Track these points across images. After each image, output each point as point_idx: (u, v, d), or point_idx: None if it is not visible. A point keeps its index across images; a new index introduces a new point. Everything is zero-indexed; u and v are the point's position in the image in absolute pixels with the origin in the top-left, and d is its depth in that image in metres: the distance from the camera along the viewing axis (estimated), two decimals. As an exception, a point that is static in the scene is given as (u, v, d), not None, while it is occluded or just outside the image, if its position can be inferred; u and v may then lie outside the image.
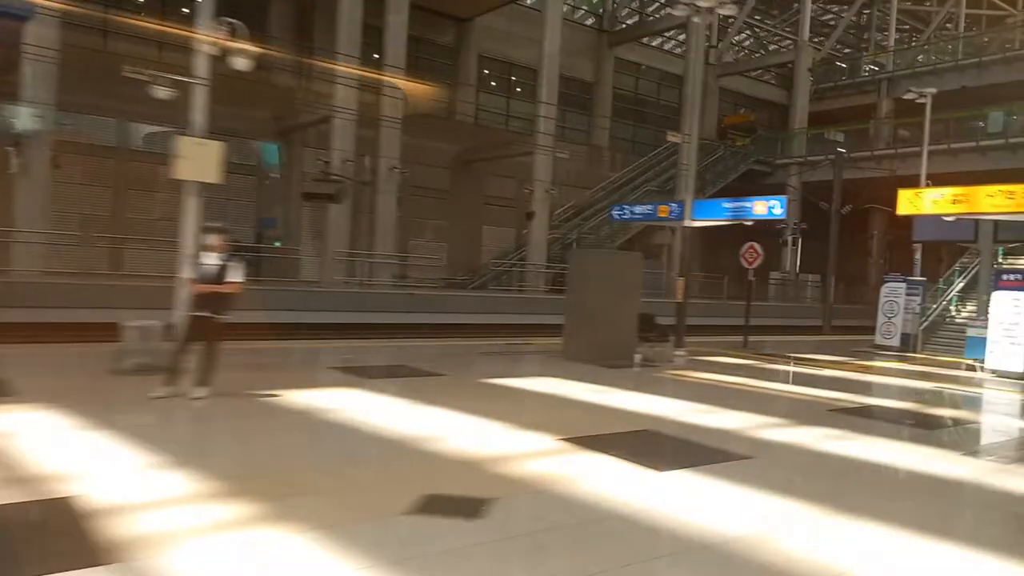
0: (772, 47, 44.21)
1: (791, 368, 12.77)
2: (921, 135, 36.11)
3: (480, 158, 31.26)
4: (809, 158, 36.63)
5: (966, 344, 14.19)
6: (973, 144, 31.33)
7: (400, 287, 23.99)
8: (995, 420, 8.62)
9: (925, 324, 17.60)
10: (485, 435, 6.20)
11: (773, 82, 43.47)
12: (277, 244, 25.99)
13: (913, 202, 10.63)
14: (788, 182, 37.11)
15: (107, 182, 23.21)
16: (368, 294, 22.03)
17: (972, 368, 13.63)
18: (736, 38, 44.16)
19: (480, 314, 22.57)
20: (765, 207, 12.31)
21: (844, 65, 44.05)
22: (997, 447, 6.98)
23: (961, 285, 18.16)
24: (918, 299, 17.51)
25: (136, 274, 19.17)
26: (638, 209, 14.76)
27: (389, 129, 24.19)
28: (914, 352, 16.77)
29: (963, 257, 19.74)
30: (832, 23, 45.32)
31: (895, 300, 17.32)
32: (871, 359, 15.28)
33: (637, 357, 11.93)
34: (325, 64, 23.64)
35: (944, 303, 18.54)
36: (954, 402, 10.22)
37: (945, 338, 16.62)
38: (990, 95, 34.13)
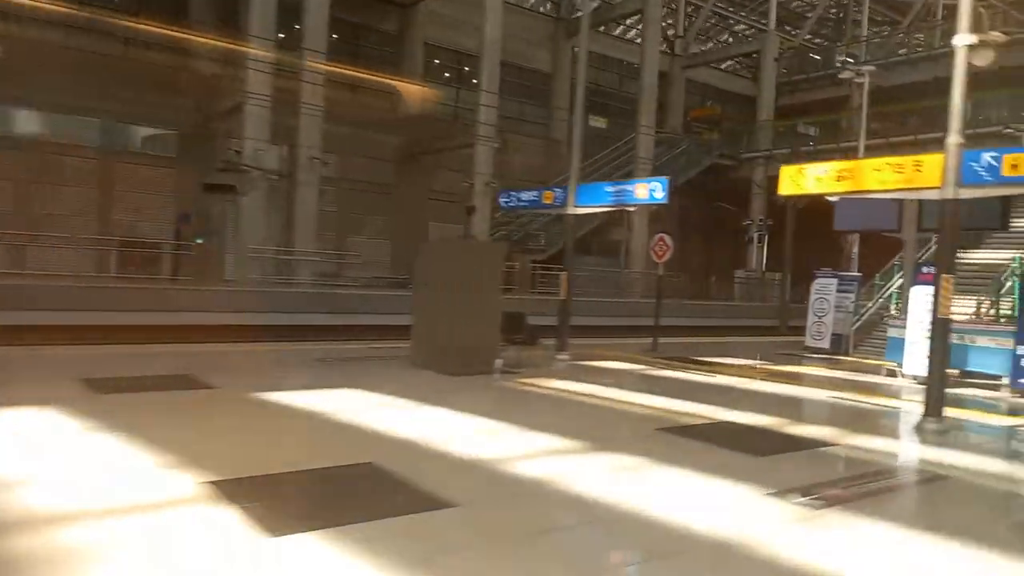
0: (747, 38, 42.63)
1: (678, 374, 11.21)
2: (894, 127, 34.77)
3: (426, 151, 29.70)
4: (774, 151, 35.08)
5: (887, 346, 12.62)
6: (941, 135, 29.72)
7: (327, 286, 22.42)
8: (866, 442, 7.04)
9: (858, 324, 16.01)
10: (113, 477, 4.63)
11: (745, 75, 41.91)
12: (199, 241, 24.41)
13: (795, 180, 9.08)
14: (753, 177, 35.61)
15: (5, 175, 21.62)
16: (284, 293, 20.44)
17: (893, 373, 12.06)
18: (707, 29, 42.63)
19: (404, 315, 21.00)
20: (646, 190, 10.78)
21: (819, 57, 42.58)
22: (827, 484, 5.40)
23: (901, 281, 16.51)
24: (851, 297, 15.92)
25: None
26: (524, 196, 13.20)
27: (309, 117, 22.63)
28: (845, 355, 15.19)
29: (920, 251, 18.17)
30: (808, 15, 43.72)
31: (826, 298, 15.73)
32: (790, 363, 13.71)
33: (498, 363, 10.36)
34: (247, 49, 22.10)
35: (881, 300, 16.90)
36: (834, 417, 8.63)
37: (880, 339, 14.98)
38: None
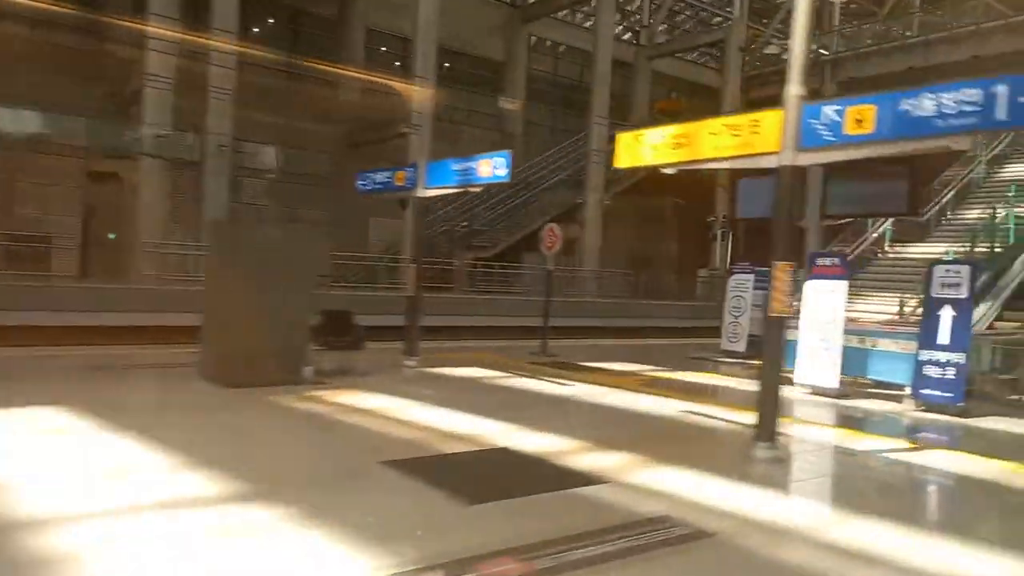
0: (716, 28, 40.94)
1: (528, 384, 9.55)
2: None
3: (366, 141, 28.05)
4: (737, 144, 33.41)
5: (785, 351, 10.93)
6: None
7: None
8: (658, 477, 5.38)
9: (778, 325, 14.30)
10: None
11: (713, 66, 40.21)
12: (112, 236, 22.85)
13: (632, 149, 7.43)
14: (717, 172, 33.99)
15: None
16: (178, 292, 18.78)
17: (790, 382, 10.39)
18: (678, 21, 40.96)
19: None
20: (490, 167, 9.14)
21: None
22: (518, 550, 3.77)
23: None
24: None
25: None
26: (379, 178, 11.56)
27: (217, 101, 21.01)
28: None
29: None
30: (780, 3, 41.99)
31: (742, 296, 14.05)
32: (689, 369, 12.05)
33: (307, 371, 8.71)
34: (150, 28, 20.48)
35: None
36: (654, 440, 6.93)
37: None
38: (938, 76, 31.09)
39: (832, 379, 9.47)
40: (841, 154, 5.99)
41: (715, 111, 36.86)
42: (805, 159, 6.13)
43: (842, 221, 10.14)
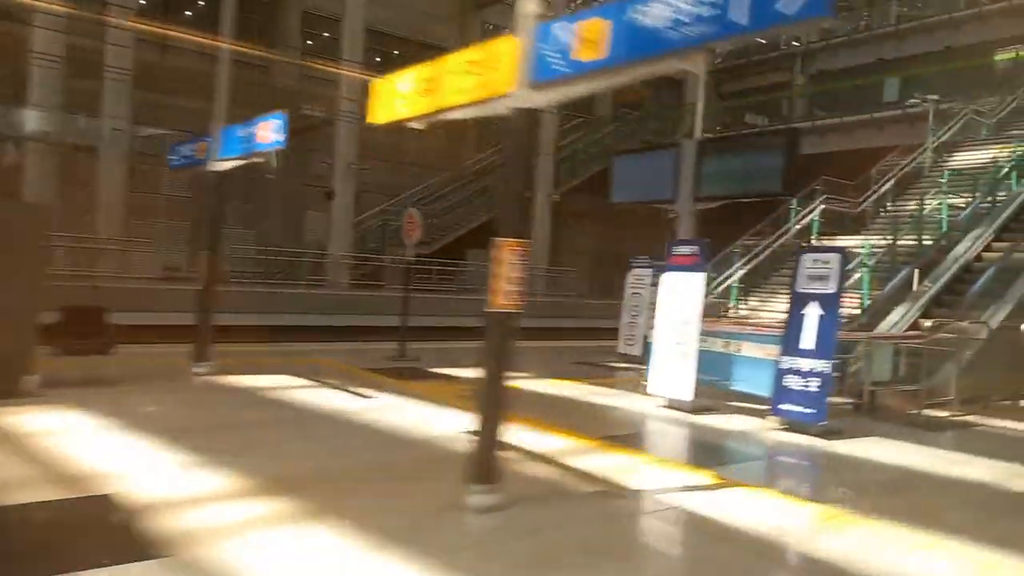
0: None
1: (328, 396, 7.92)
2: (836, 108, 31.42)
3: (299, 129, 26.41)
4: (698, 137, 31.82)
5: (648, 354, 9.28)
6: (868, 116, 26.48)
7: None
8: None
9: (678, 326, 12.65)
10: None
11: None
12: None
13: (386, 103, 5.79)
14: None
15: None
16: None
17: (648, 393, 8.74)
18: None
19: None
20: (268, 130, 7.53)
21: (764, 42, 39.38)
22: None
23: (744, 270, 13.21)
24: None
25: None
26: (185, 150, 9.94)
27: (115, 83, 19.41)
28: (655, 365, 11.84)
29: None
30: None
31: (640, 292, 12.41)
32: (567, 377, 10.39)
33: (32, 381, 7.07)
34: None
35: (714, 295, 13.55)
36: (336, 480, 5.31)
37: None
38: (909, 68, 29.57)
39: (686, 390, 7.83)
40: (576, 88, 4.35)
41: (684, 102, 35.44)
42: (541, 99, 4.48)
43: (713, 204, 8.46)
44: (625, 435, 6.65)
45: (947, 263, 12.07)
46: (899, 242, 12.66)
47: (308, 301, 18.90)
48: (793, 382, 7.15)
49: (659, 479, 5.27)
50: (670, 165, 8.87)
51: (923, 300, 11.34)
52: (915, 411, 8.68)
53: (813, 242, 14.06)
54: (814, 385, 7.01)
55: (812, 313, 7.17)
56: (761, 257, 13.73)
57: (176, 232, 24.43)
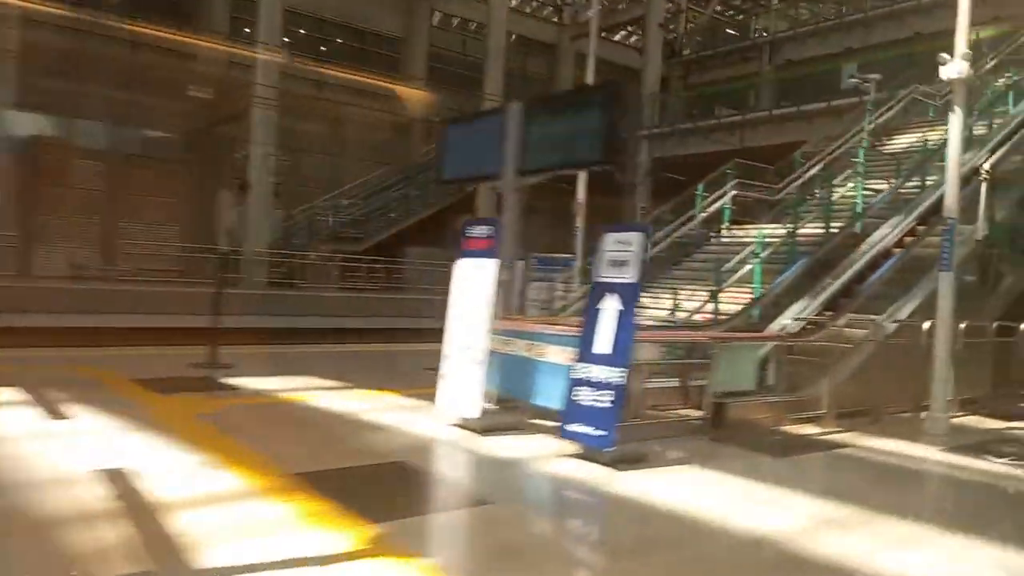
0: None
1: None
2: (804, 98, 29.84)
3: (226, 118, 24.87)
4: (654, 130, 30.28)
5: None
6: (825, 104, 24.91)
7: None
8: None
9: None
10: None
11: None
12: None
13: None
14: (638, 158, 30.83)
15: None
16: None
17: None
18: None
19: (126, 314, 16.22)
20: None
21: (736, 33, 37.89)
22: None
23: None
24: (550, 286, 11.04)
25: None
26: None
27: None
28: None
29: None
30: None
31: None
32: (415, 385, 8.78)
33: None
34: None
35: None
36: None
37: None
38: (877, 56, 28.06)
39: (473, 405, 6.24)
40: None
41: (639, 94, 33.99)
42: None
43: (538, 179, 6.88)
44: (340, 469, 5.05)
45: (859, 253, 10.49)
46: (808, 231, 11.08)
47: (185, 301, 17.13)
48: (584, 395, 5.56)
49: (275, 543, 3.68)
50: (497, 133, 7.29)
51: (824, 295, 9.75)
52: (777, 428, 7.13)
53: (723, 231, 12.47)
54: (606, 400, 5.42)
55: (610, 308, 5.59)
56: (656, 248, 12.11)
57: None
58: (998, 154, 11.28)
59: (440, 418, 6.55)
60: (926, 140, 12.93)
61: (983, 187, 9.76)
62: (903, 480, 6.07)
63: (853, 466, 6.16)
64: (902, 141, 14.73)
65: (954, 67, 7.66)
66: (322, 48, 28.67)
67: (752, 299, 9.64)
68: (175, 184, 24.85)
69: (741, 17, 38.53)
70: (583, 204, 12.01)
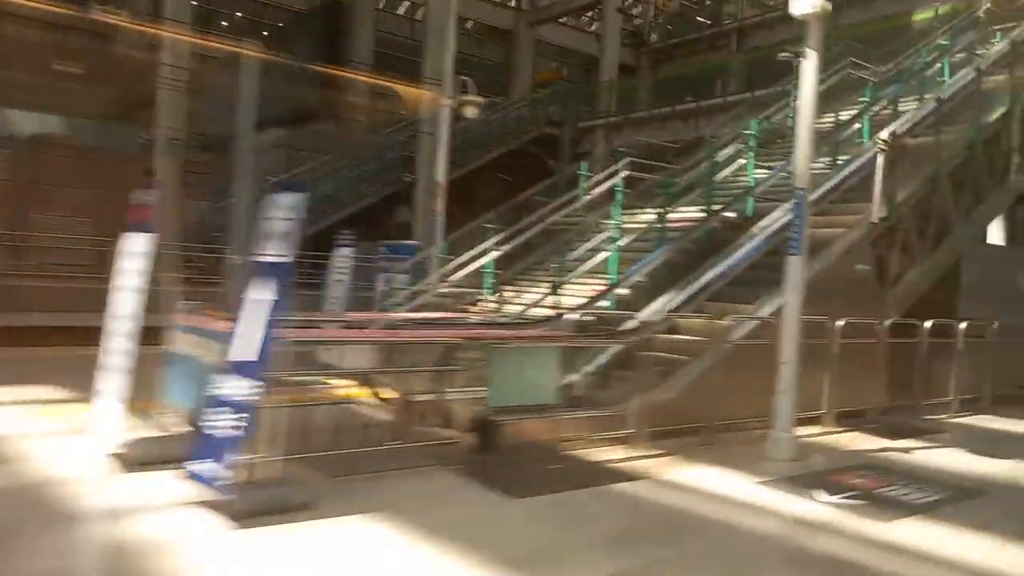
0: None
1: None
2: (768, 85, 28.32)
3: (143, 104, 23.30)
4: (610, 119, 28.67)
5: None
6: (780, 89, 23.30)
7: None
8: None
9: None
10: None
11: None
12: None
13: None
14: (593, 149, 29.26)
15: None
16: None
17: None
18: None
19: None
20: None
21: (708, 22, 36.28)
22: None
23: (502, 250, 9.74)
24: (400, 278, 9.45)
25: None
26: None
27: None
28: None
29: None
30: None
31: (343, 279, 9.27)
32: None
33: None
34: None
35: (458, 281, 10.10)
36: None
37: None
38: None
39: (111, 430, 4.66)
40: None
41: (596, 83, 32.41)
42: None
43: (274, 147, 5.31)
44: None
45: (748, 237, 8.89)
46: (691, 215, 9.48)
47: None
48: (212, 419, 3.99)
49: None
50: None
51: (694, 287, 8.15)
52: (569, 452, 5.58)
53: (616, 217, 10.82)
54: (227, 426, 3.85)
55: (256, 300, 4.02)
56: (530, 233, 10.49)
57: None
58: (902, 121, 9.73)
59: (101, 445, 4.97)
60: (838, 116, 11.37)
61: (879, 159, 8.18)
62: (660, 535, 4.26)
63: (616, 511, 4.56)
64: (829, 120, 13.11)
65: (807, 0, 6.08)
66: (264, 33, 27.14)
67: (597, 292, 8.03)
68: (96, 174, 23.30)
69: (708, 3, 36.92)
70: (443, 184, 10.39)
